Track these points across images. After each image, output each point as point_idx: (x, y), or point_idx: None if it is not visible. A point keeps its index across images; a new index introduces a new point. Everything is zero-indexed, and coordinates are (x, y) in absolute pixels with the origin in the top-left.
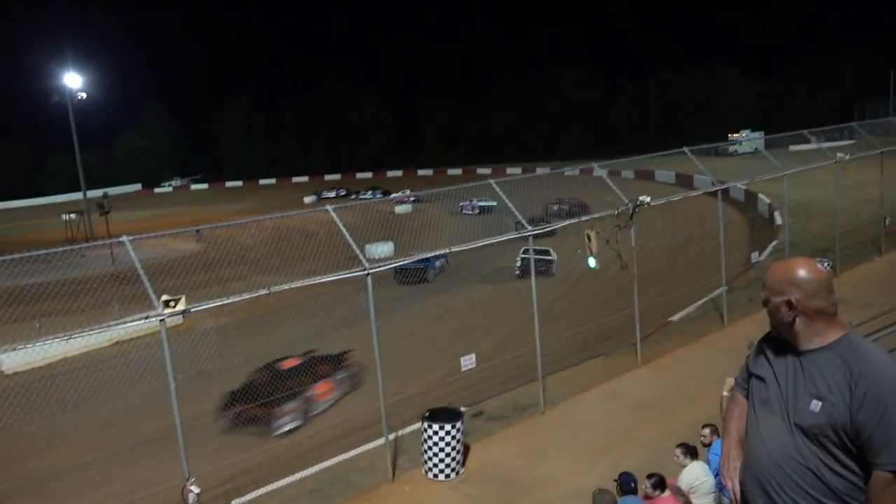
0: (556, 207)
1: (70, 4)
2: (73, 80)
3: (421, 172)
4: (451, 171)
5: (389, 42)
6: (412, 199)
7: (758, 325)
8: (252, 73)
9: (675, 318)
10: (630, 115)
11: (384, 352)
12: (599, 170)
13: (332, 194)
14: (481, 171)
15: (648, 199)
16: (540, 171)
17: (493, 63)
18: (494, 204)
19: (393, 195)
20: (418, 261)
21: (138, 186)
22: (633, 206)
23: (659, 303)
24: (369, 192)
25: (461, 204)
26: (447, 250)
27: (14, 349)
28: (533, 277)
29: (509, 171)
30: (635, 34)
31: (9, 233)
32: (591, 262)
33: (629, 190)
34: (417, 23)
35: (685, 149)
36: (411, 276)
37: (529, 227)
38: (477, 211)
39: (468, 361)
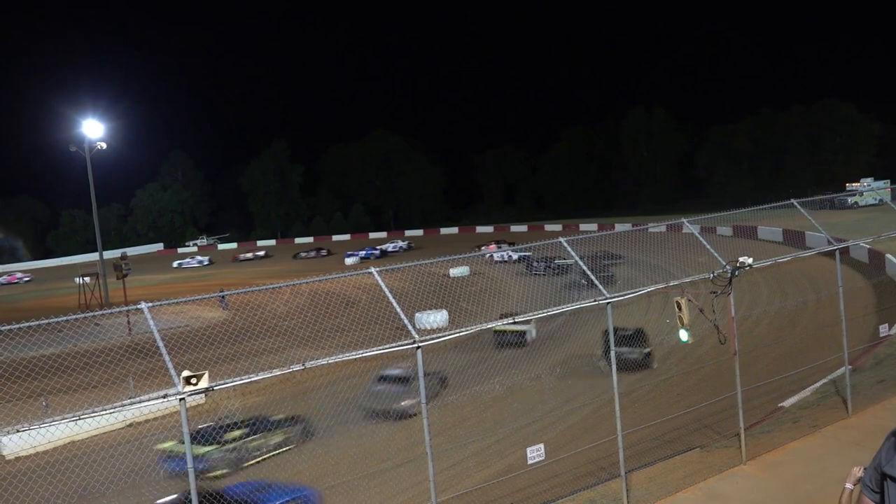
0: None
1: (90, 49)
2: (93, 129)
3: (480, 230)
4: (514, 228)
5: (440, 87)
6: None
7: (890, 413)
8: (287, 121)
9: (787, 403)
10: (721, 163)
11: (435, 439)
12: (690, 226)
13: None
14: (550, 227)
15: (751, 260)
16: (620, 227)
17: (558, 107)
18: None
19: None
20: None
21: (160, 246)
22: (733, 268)
23: (766, 385)
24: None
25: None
26: (510, 320)
27: (17, 431)
28: (613, 357)
29: (583, 227)
30: (726, 71)
31: (17, 298)
32: (683, 335)
33: (727, 249)
34: (470, 66)
35: (793, 201)
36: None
37: (608, 293)
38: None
39: (536, 453)
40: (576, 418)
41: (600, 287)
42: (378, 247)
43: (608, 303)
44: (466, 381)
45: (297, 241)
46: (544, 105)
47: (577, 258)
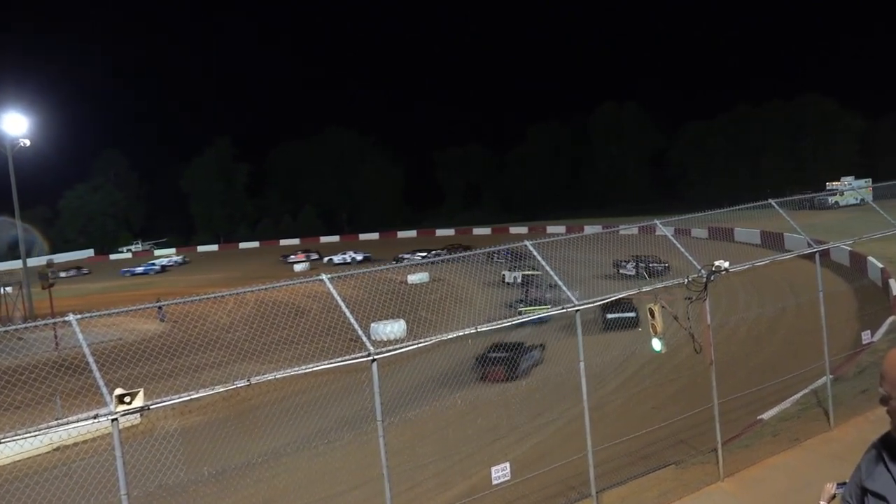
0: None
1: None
2: (15, 124)
3: (441, 232)
4: (477, 231)
5: (399, 80)
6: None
7: (874, 425)
8: (231, 116)
9: (767, 416)
10: (696, 161)
11: (392, 459)
12: (663, 228)
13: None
14: (515, 230)
15: (727, 264)
16: (589, 229)
17: (524, 103)
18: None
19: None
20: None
21: (90, 252)
22: (708, 272)
23: (745, 397)
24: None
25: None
26: (472, 330)
27: None
28: (582, 367)
29: (550, 230)
30: (701, 64)
31: None
32: (656, 344)
33: (702, 252)
34: (430, 59)
35: (771, 201)
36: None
37: (576, 300)
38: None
39: (501, 472)
40: (544, 434)
41: (569, 293)
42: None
43: (577, 310)
44: (426, 396)
45: (242, 245)
46: (510, 100)
47: (543, 263)
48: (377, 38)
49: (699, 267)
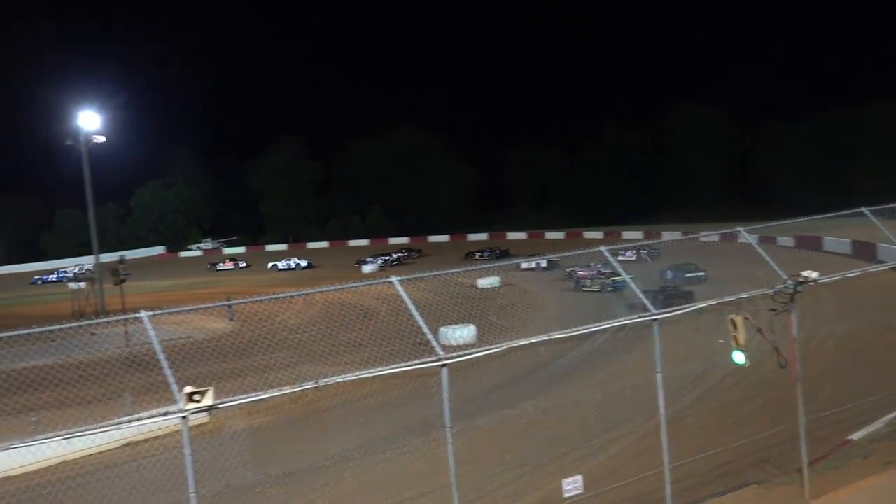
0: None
1: (89, 34)
2: (90, 121)
3: (512, 235)
4: (550, 235)
5: (471, 79)
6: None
7: None
8: (302, 116)
9: (857, 436)
10: (783, 166)
11: (461, 467)
12: (747, 235)
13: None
14: (590, 234)
15: (815, 274)
16: (668, 235)
17: (599, 103)
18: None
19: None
20: None
21: (161, 249)
22: (795, 283)
23: (833, 415)
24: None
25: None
26: (544, 337)
27: (6, 448)
28: (659, 379)
29: (626, 235)
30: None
31: (8, 303)
32: (738, 357)
33: (788, 262)
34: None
35: (864, 209)
36: None
37: (654, 309)
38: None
39: (573, 485)
40: (618, 447)
41: (646, 303)
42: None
43: (654, 320)
44: (496, 403)
45: (310, 245)
46: (584, 100)
47: (619, 269)
48: (448, 37)
49: (785, 277)
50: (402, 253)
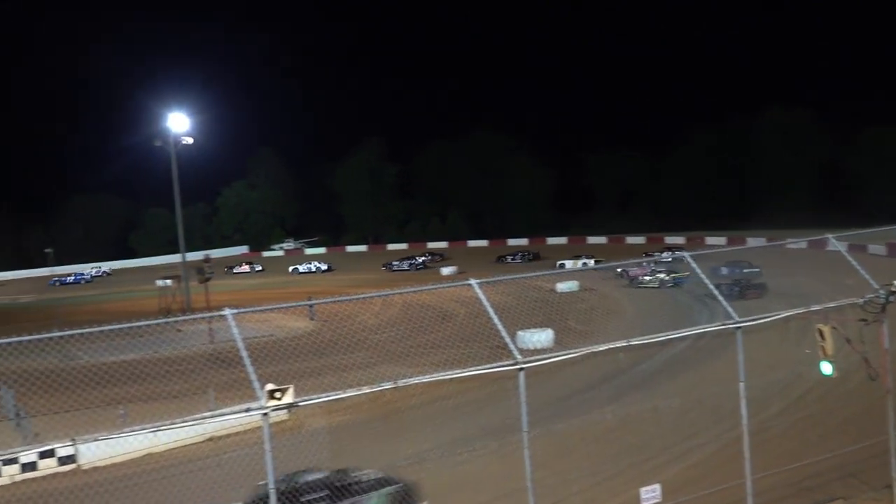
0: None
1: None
2: (179, 123)
3: (592, 240)
4: (630, 239)
5: (551, 82)
6: None
7: None
8: (383, 119)
9: None
10: (876, 171)
11: (537, 472)
12: (836, 242)
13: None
14: (671, 240)
15: None
16: (752, 242)
17: (682, 106)
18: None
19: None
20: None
21: (244, 249)
22: (887, 293)
23: None
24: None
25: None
26: (623, 342)
27: (95, 440)
28: (742, 388)
29: (709, 241)
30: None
31: (98, 299)
32: (826, 367)
33: (880, 270)
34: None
35: None
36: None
37: (737, 316)
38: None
39: (651, 493)
40: (697, 457)
41: (729, 310)
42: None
43: (738, 327)
44: (573, 408)
45: (390, 247)
46: (667, 103)
47: (702, 277)
48: (528, 39)
49: (876, 286)
50: (427, 256)
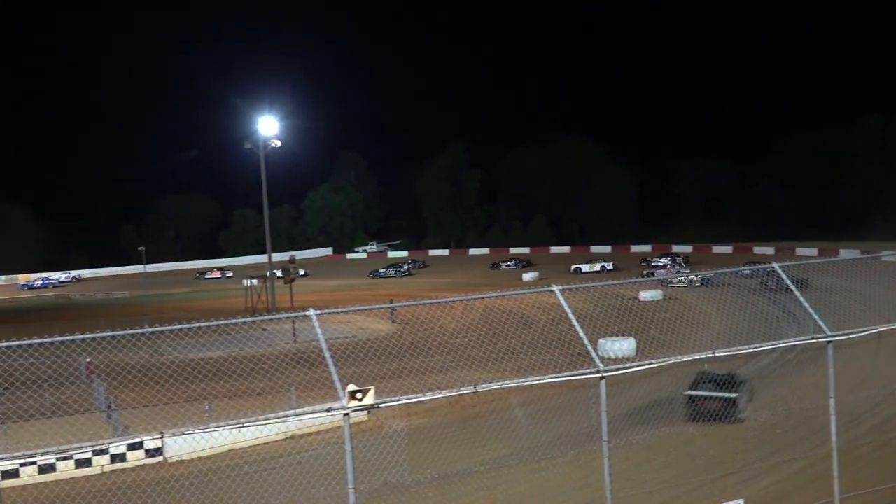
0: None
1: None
2: (269, 126)
3: (677, 248)
4: (717, 249)
5: (637, 84)
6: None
7: None
8: (466, 123)
9: None
10: None
11: (616, 482)
12: None
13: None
14: (760, 250)
15: None
16: (845, 254)
17: (774, 112)
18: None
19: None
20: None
21: (328, 251)
22: None
23: None
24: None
25: None
26: (709, 354)
27: (182, 434)
28: (832, 404)
29: (800, 252)
30: None
31: (187, 297)
32: None
33: None
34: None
35: None
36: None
37: (828, 330)
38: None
39: None
40: (783, 473)
41: (821, 323)
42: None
43: (829, 342)
44: (654, 419)
45: (472, 251)
46: (758, 109)
47: (793, 287)
48: (615, 44)
49: None
50: (410, 263)
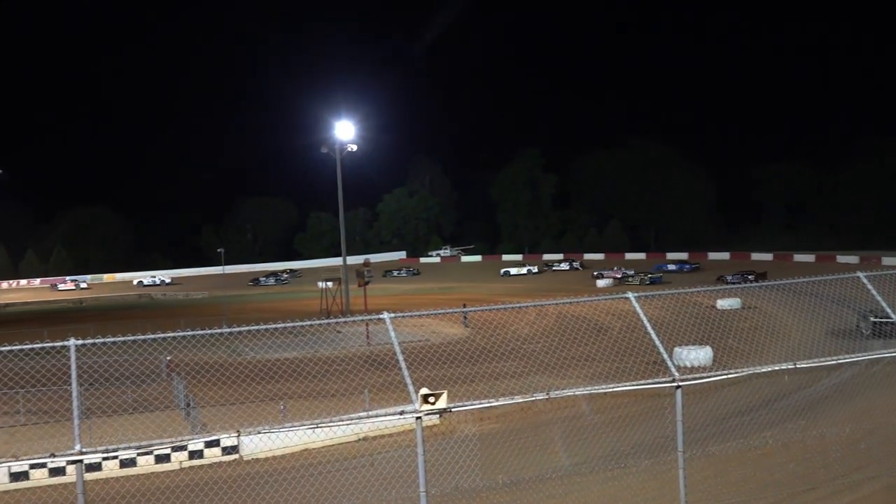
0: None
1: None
2: (345, 131)
3: (756, 256)
4: (798, 257)
5: (714, 89)
6: None
7: None
8: (541, 127)
9: None
10: None
11: (690, 494)
12: None
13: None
14: (843, 258)
15: None
16: None
17: (861, 115)
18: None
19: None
20: None
21: (402, 254)
22: None
23: None
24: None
25: None
26: (789, 365)
27: (258, 432)
28: None
29: (886, 261)
30: None
31: (264, 298)
32: None
33: None
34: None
35: None
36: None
37: None
38: None
39: None
40: (866, 490)
41: None
42: None
43: None
44: (731, 430)
45: (546, 257)
46: (843, 111)
47: (880, 299)
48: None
49: None
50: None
